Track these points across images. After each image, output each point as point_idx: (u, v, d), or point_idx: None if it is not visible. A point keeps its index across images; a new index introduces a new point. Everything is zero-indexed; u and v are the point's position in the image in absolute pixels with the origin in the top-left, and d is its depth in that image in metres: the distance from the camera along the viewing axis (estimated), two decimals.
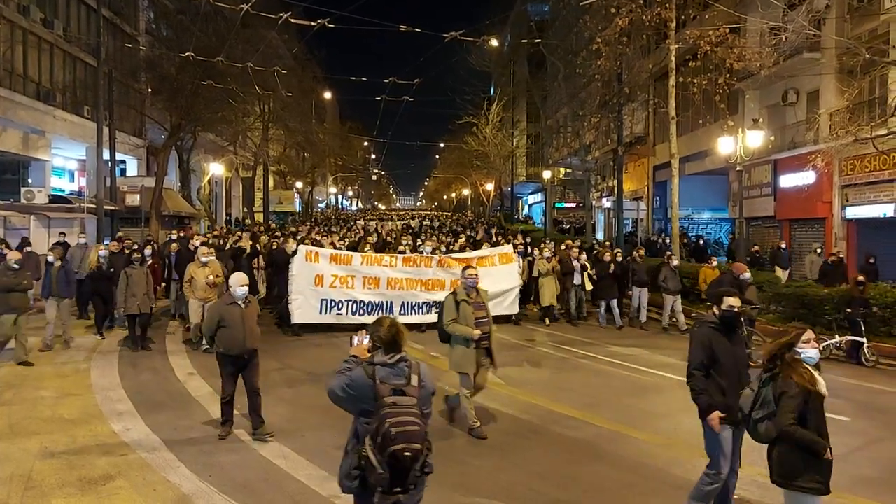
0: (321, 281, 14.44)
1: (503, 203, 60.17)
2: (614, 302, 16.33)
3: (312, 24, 16.79)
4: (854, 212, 21.16)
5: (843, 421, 8.65)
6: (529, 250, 18.82)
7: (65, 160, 31.78)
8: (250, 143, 39.23)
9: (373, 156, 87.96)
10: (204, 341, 11.71)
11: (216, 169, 37.31)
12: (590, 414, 9.16)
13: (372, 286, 14.85)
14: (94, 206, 22.72)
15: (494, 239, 24.32)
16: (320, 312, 14.45)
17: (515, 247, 17.79)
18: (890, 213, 19.51)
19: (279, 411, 9.15)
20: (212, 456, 7.35)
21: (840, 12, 20.06)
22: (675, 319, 16.08)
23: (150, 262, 14.53)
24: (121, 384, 10.34)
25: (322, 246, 17.62)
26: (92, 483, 6.57)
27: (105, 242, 18.52)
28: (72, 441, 7.73)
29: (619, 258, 17.00)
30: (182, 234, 19.19)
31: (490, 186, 58.50)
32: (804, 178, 21.86)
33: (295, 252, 14.79)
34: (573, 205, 48.57)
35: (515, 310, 16.30)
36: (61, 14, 29.07)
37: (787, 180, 23.54)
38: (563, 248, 18.76)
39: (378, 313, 14.42)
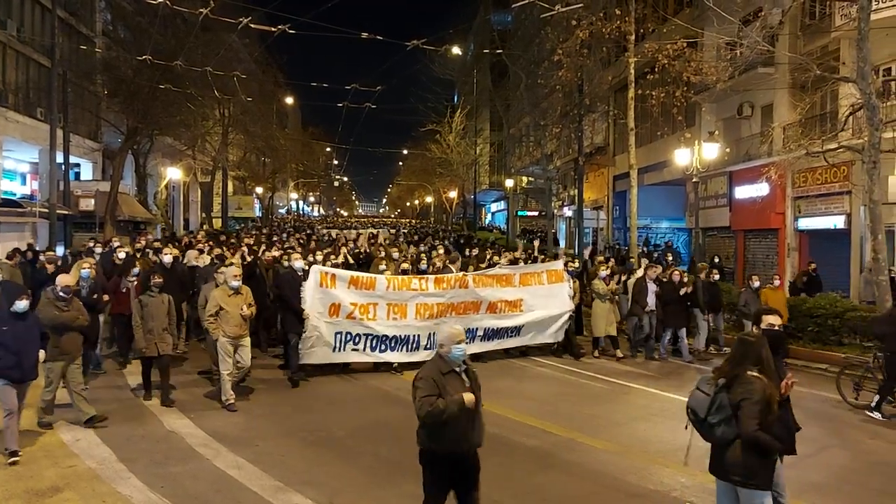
0: (337, 310, 11.63)
1: (466, 210, 60.43)
2: (683, 331, 13.77)
3: (273, 29, 16.62)
4: (806, 223, 21.67)
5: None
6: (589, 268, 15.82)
7: (16, 163, 30.90)
8: (209, 148, 38.72)
9: (335, 162, 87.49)
10: (226, 398, 9.61)
11: (174, 173, 36.66)
12: (548, 422, 9.22)
13: (399, 316, 12.14)
14: (46, 210, 22.19)
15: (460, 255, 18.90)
16: (334, 350, 11.71)
17: (567, 266, 14.79)
18: (840, 225, 20.01)
19: (233, 420, 9.04)
20: (163, 466, 7.20)
21: (793, 29, 20.62)
22: None
23: (135, 281, 11.42)
24: None
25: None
26: (39, 495, 6.40)
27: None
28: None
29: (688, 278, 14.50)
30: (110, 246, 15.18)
31: (453, 194, 58.69)
32: (758, 189, 22.31)
33: (305, 273, 11.73)
34: (535, 213, 48.91)
35: (560, 337, 13.88)
36: (15, 14, 28.31)
37: (742, 192, 24.02)
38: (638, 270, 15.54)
39: (403, 349, 12.22)
